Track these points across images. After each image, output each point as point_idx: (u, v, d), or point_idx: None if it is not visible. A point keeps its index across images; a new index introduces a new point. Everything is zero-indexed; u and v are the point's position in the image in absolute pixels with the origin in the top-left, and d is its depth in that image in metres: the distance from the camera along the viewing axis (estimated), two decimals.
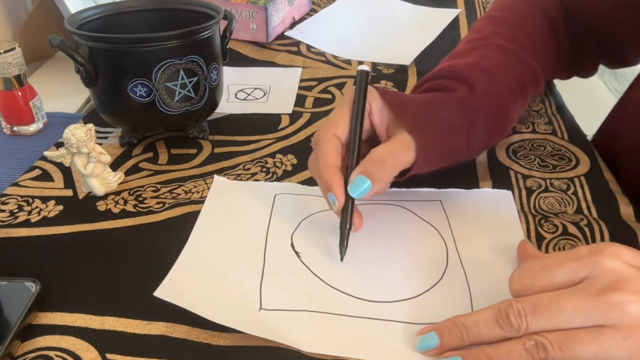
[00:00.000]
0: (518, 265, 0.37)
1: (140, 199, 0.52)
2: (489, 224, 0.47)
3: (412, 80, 0.75)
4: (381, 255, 0.45)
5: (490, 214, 0.48)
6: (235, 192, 0.53)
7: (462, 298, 0.40)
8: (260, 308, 0.40)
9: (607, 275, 0.32)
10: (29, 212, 0.51)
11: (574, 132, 0.62)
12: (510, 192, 0.51)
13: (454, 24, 0.94)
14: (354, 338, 0.38)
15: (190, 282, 0.42)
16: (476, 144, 0.50)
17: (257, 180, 0.55)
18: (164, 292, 0.40)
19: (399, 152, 0.44)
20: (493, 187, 0.52)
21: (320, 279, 0.42)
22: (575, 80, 0.69)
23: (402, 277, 0.42)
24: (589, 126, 0.67)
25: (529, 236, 0.46)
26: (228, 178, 0.55)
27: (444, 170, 0.48)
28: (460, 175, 0.54)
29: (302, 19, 0.95)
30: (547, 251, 0.45)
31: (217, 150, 0.60)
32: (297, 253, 0.45)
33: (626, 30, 0.59)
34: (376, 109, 0.46)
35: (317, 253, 0.45)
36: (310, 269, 0.43)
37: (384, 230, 0.47)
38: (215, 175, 0.55)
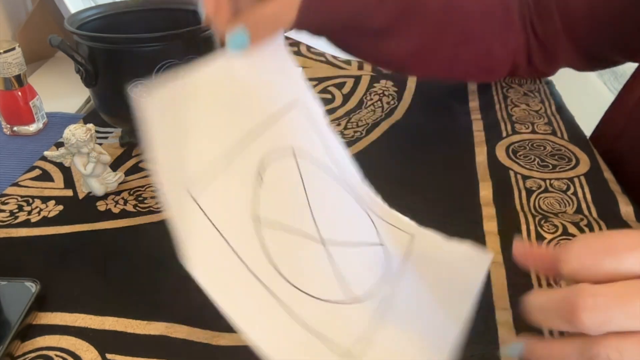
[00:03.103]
0: (573, 239, 0.29)
1: (140, 199, 0.52)
2: (442, 283, 0.41)
3: (411, 79, 0.75)
4: (321, 246, 0.39)
5: (451, 274, 0.41)
6: (249, 63, 0.39)
7: (359, 330, 0.36)
8: (188, 189, 0.34)
9: None
10: (29, 212, 0.51)
11: (574, 132, 0.62)
12: (489, 257, 0.42)
13: None
14: (236, 288, 0.33)
15: (169, 108, 0.34)
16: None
17: None
18: (151, 101, 0.32)
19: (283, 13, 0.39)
20: (493, 187, 0.52)
21: (256, 216, 0.36)
22: (575, 80, 0.69)
23: (325, 275, 0.38)
24: (589, 126, 0.67)
25: (528, 236, 0.46)
26: None
27: (443, 172, 0.48)
28: (460, 177, 0.54)
29: None
30: None
31: None
32: (260, 177, 0.38)
33: (605, 32, 0.59)
34: None
35: (276, 194, 0.38)
36: (257, 201, 0.37)
37: (340, 224, 0.41)
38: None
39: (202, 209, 0.34)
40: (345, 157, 0.44)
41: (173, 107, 0.34)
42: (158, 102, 0.33)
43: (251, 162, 0.38)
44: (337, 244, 0.40)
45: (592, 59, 0.66)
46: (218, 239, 0.35)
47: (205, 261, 0.34)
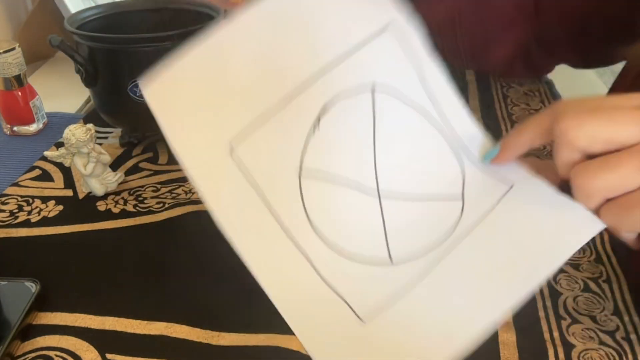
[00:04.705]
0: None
1: (140, 199, 0.52)
2: (526, 240, 0.33)
3: None
4: (375, 200, 0.35)
5: (544, 233, 0.33)
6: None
7: (386, 298, 0.33)
8: (232, 153, 0.33)
9: None
10: (29, 212, 0.51)
11: None
12: (599, 226, 0.31)
13: None
14: (265, 245, 0.33)
15: (182, 89, 0.33)
16: None
17: None
18: (151, 89, 0.33)
19: None
20: None
21: (300, 170, 0.34)
22: (575, 80, 0.69)
23: (368, 235, 0.34)
24: None
25: None
26: None
27: None
28: None
29: None
30: None
31: None
32: (317, 124, 0.34)
33: (601, 29, 0.60)
34: None
35: (332, 144, 0.34)
36: (304, 152, 0.34)
37: (411, 172, 0.36)
38: None
39: (239, 164, 0.32)
40: (449, 94, 0.37)
41: (196, 76, 0.32)
42: (168, 82, 0.32)
43: (310, 108, 0.33)
44: (396, 198, 0.35)
45: (588, 56, 0.66)
46: (250, 192, 0.33)
47: (232, 211, 0.32)
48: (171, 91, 0.33)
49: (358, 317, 0.32)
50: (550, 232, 0.33)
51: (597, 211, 0.31)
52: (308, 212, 0.34)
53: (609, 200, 0.30)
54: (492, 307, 0.31)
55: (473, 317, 0.31)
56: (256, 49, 0.33)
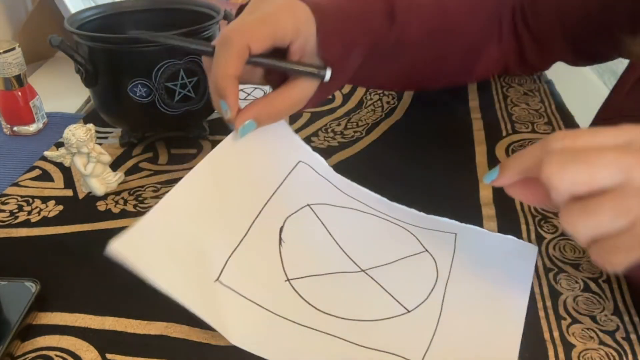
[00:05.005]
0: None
1: (140, 199, 0.52)
2: (495, 276, 0.42)
3: None
4: (361, 273, 0.42)
5: (502, 265, 0.43)
6: (255, 141, 0.44)
7: (423, 338, 0.37)
8: (217, 279, 0.37)
9: None
10: (29, 212, 0.51)
11: None
12: (536, 248, 0.44)
13: None
14: (290, 345, 0.36)
15: (154, 240, 0.37)
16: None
17: None
18: (120, 248, 0.35)
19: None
20: (493, 187, 0.52)
21: (286, 276, 0.40)
22: (575, 80, 0.69)
23: (372, 299, 0.40)
24: (589, 126, 0.67)
25: (528, 237, 0.46)
26: None
27: (442, 172, 0.48)
28: (460, 177, 0.54)
29: None
30: (547, 251, 0.45)
31: None
32: (280, 240, 0.41)
33: (598, 26, 0.60)
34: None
35: (300, 248, 0.42)
36: (282, 263, 0.40)
37: (377, 248, 0.44)
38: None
39: (234, 290, 0.38)
40: (361, 189, 0.48)
41: (167, 230, 0.38)
42: (138, 241, 0.36)
43: (270, 231, 0.42)
44: (378, 267, 0.42)
45: (585, 53, 0.66)
46: (255, 310, 0.37)
47: (250, 333, 0.36)
48: (145, 243, 0.37)
49: None
50: (503, 264, 0.43)
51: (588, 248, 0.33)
52: (314, 304, 0.39)
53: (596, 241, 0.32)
54: (506, 328, 0.38)
55: (500, 334, 0.37)
56: (207, 200, 0.40)
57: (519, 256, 0.43)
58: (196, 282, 0.37)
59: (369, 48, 0.48)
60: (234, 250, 0.39)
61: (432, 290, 0.41)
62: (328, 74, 0.43)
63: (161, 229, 0.37)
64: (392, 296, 0.40)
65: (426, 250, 0.44)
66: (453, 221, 0.47)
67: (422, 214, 0.48)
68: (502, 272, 0.42)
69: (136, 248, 0.35)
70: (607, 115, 0.61)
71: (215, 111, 0.63)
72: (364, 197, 0.48)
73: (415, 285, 0.41)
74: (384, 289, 0.41)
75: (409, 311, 0.39)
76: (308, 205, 0.45)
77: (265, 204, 0.43)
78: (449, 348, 0.36)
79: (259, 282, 0.39)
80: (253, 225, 0.41)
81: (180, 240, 0.38)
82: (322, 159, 0.48)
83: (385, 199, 0.49)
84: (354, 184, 0.49)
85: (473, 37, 0.62)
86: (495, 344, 0.37)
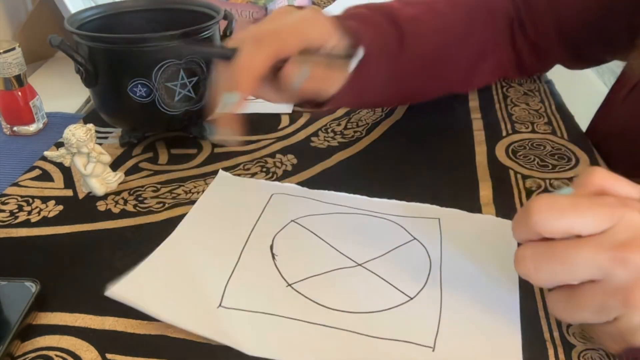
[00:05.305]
0: (547, 194, 0.33)
1: (140, 199, 0.52)
2: (483, 251, 0.44)
3: None
4: (358, 267, 0.43)
5: (487, 241, 0.45)
6: (233, 188, 0.52)
7: (430, 323, 0.38)
8: (220, 305, 0.39)
9: (629, 230, 0.30)
10: (29, 212, 0.51)
11: (574, 132, 0.62)
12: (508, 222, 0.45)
13: None
14: (304, 344, 0.36)
15: (153, 280, 0.41)
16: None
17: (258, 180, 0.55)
18: (118, 291, 0.39)
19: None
20: (493, 187, 0.52)
21: (286, 282, 0.41)
22: (575, 80, 0.69)
23: (374, 291, 0.41)
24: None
25: None
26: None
27: (443, 172, 0.48)
28: (460, 177, 0.54)
29: None
30: None
31: (217, 150, 0.60)
32: (273, 255, 0.44)
33: (595, 30, 0.60)
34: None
35: (294, 257, 0.44)
36: (280, 272, 0.42)
37: (368, 243, 0.45)
38: (220, 170, 0.55)
39: (237, 309, 0.39)
40: (339, 194, 0.51)
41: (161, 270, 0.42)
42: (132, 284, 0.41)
43: (261, 250, 0.44)
44: (373, 260, 0.44)
45: (582, 58, 0.66)
46: (263, 318, 0.38)
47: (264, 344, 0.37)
48: (142, 284, 0.41)
49: (426, 346, 0.36)
50: (490, 242, 0.45)
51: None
52: (320, 302, 0.40)
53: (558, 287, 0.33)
54: (505, 301, 0.40)
55: (501, 308, 0.39)
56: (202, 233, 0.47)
57: (501, 233, 0.46)
58: (200, 309, 0.39)
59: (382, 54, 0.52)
60: (231, 275, 0.42)
61: (428, 275, 0.42)
62: (361, 52, 0.48)
63: (158, 271, 0.42)
64: (393, 285, 0.41)
65: (415, 239, 0.46)
66: (434, 206, 0.50)
67: (402, 202, 0.50)
68: (489, 249, 0.44)
69: (135, 289, 0.40)
70: (607, 114, 0.61)
71: (215, 111, 0.63)
72: (344, 200, 0.51)
73: (412, 273, 0.42)
74: (383, 279, 0.42)
75: (411, 298, 0.40)
76: (292, 220, 0.48)
77: (252, 231, 0.47)
78: (457, 328, 0.37)
79: (261, 294, 0.41)
80: (244, 250, 0.45)
81: (178, 278, 0.41)
82: (294, 185, 0.53)
83: (364, 197, 0.51)
84: (332, 192, 0.52)
85: (472, 50, 0.62)
86: (497, 319, 0.38)
